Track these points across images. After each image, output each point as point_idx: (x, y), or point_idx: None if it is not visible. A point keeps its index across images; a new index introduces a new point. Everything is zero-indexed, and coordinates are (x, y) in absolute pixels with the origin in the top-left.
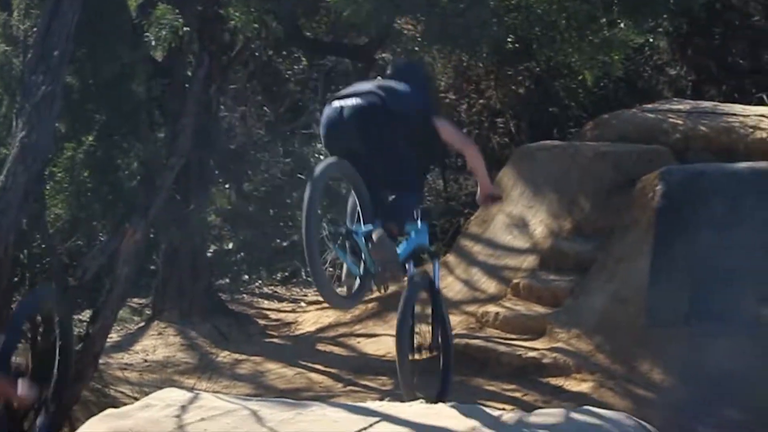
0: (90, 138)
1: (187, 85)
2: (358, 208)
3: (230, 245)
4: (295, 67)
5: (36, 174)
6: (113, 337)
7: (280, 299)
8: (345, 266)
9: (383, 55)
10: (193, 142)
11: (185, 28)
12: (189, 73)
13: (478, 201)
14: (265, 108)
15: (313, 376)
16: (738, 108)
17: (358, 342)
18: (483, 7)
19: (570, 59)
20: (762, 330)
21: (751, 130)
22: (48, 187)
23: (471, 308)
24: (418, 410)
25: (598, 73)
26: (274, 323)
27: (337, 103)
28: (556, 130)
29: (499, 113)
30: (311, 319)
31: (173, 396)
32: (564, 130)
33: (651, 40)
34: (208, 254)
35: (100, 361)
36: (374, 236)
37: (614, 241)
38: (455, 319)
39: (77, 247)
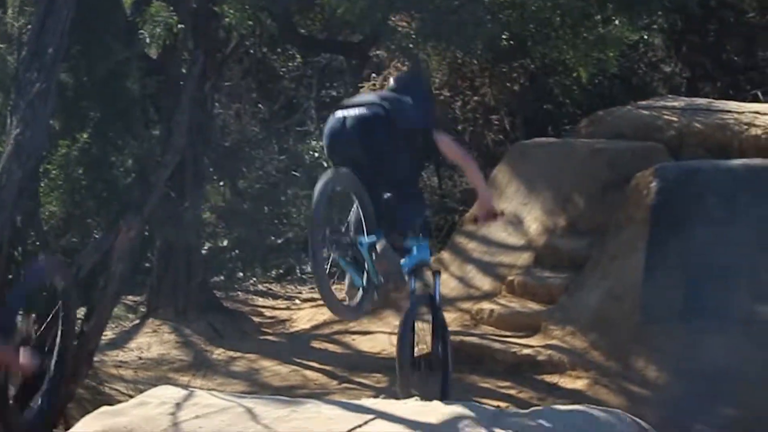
0: (84, 135)
1: (181, 83)
2: (362, 218)
3: (225, 242)
4: (290, 64)
5: (30, 171)
6: (108, 334)
7: (275, 296)
8: (348, 277)
9: (377, 52)
10: (187, 139)
11: (180, 26)
12: (183, 71)
13: (479, 217)
14: (259, 105)
15: (308, 373)
16: (733, 105)
17: (353, 339)
18: (477, 4)
19: (565, 56)
20: (756, 327)
21: (745, 127)
22: (42, 185)
23: (466, 305)
24: (412, 408)
25: (593, 70)
26: (269, 320)
27: (340, 114)
28: (551, 127)
29: (493, 110)
30: (306, 316)
31: (168, 393)
32: (559, 127)
33: (645, 37)
34: (203, 251)
35: (95, 358)
36: (378, 247)
37: (609, 238)
38: (450, 316)
39: (72, 245)
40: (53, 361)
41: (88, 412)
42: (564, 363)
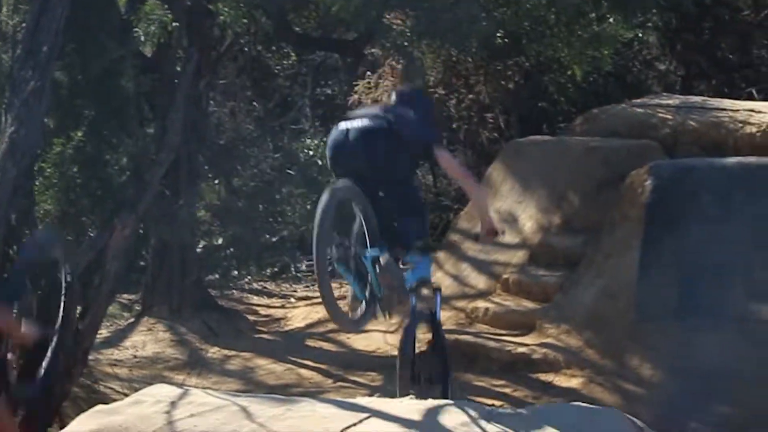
0: (79, 133)
1: (176, 81)
2: (365, 230)
3: (220, 241)
4: (285, 62)
5: (25, 169)
6: (103, 333)
7: (270, 295)
8: (351, 290)
9: (372, 50)
10: (182, 137)
11: (174, 24)
12: (178, 69)
13: (480, 236)
14: (254, 103)
15: (303, 371)
16: (727, 103)
17: (348, 338)
18: (472, 1)
19: (559, 54)
20: (751, 325)
21: (740, 125)
22: (37, 183)
23: (461, 304)
24: (408, 406)
25: (588, 67)
26: (264, 319)
27: (343, 125)
28: (546, 125)
29: (488, 108)
30: (301, 314)
31: (163, 392)
32: (553, 125)
33: (640, 35)
34: (198, 250)
35: (90, 357)
36: (382, 261)
37: (603, 236)
38: (445, 315)
39: (66, 243)
40: (56, 335)
41: (83, 411)
42: (559, 361)
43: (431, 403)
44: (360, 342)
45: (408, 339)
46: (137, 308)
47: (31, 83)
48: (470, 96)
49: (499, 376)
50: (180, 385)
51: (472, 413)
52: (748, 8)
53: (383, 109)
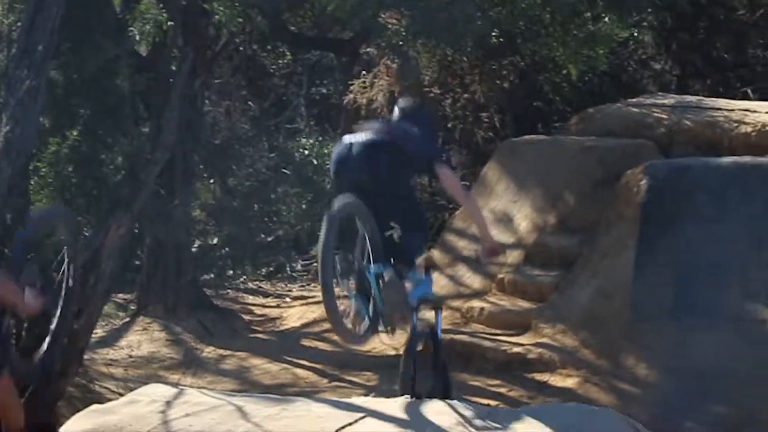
0: (74, 132)
1: (171, 80)
2: (368, 246)
3: (215, 240)
4: (280, 61)
5: (20, 168)
6: (98, 332)
7: (265, 294)
8: (354, 306)
9: (368, 49)
10: (177, 136)
11: (169, 23)
12: (173, 68)
13: (481, 256)
14: (249, 102)
15: (299, 371)
16: (722, 102)
17: None
18: (467, 1)
19: (554, 53)
20: (746, 324)
21: (735, 124)
22: (32, 182)
23: (456, 303)
24: (402, 406)
25: (583, 67)
26: (259, 318)
27: (347, 139)
28: (541, 124)
29: (483, 108)
30: (296, 314)
31: (158, 391)
32: (549, 125)
33: (635, 34)
34: (193, 249)
35: (85, 356)
36: (386, 276)
37: (599, 236)
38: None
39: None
40: (58, 308)
41: (78, 411)
42: (554, 361)
43: (426, 402)
44: None
45: (408, 358)
46: (132, 308)
47: (26, 82)
48: (465, 95)
49: (494, 376)
50: (175, 385)
51: (468, 413)
52: (743, 8)
53: (387, 123)
